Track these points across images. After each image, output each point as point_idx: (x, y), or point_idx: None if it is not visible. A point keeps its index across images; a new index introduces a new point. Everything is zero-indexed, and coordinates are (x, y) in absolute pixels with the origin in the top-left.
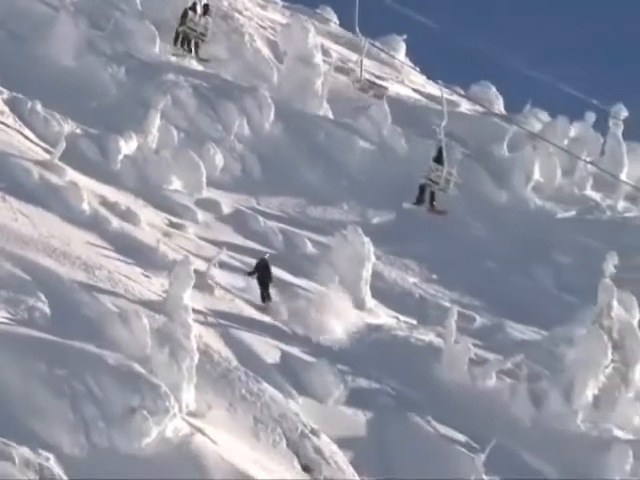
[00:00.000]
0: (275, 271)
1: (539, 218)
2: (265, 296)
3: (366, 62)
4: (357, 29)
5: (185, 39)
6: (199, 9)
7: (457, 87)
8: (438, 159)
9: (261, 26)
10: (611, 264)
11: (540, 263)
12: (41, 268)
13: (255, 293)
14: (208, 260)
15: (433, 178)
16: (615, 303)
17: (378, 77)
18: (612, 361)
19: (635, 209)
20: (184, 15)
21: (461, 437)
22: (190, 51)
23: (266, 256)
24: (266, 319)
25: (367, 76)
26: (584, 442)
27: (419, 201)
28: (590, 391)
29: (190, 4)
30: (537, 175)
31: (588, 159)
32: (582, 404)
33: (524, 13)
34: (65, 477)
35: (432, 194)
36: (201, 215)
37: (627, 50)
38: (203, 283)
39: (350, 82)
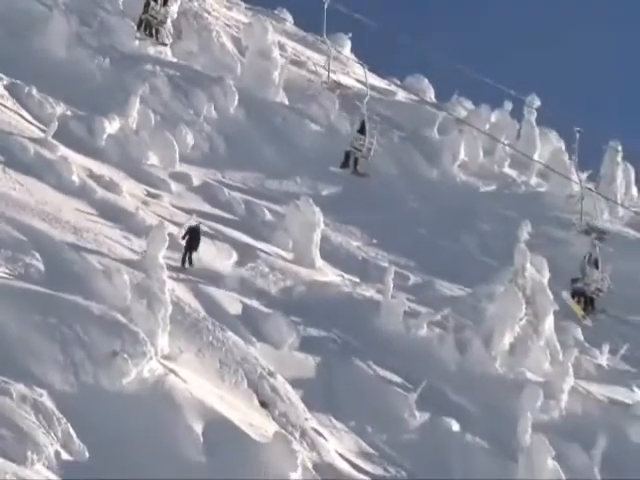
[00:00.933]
0: (238, 235)
1: (464, 192)
2: (186, 260)
3: (317, 57)
4: (324, 35)
5: (147, 26)
6: None
7: (394, 78)
8: (361, 130)
9: (227, 25)
10: (525, 231)
11: (465, 230)
12: (36, 230)
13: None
14: (180, 225)
15: (356, 146)
16: (528, 265)
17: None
18: (525, 315)
19: (546, 184)
20: (147, 5)
21: (397, 378)
22: (151, 35)
23: (199, 224)
24: (230, 276)
25: (321, 69)
26: (501, 383)
27: (344, 165)
28: (507, 340)
29: None
30: (463, 155)
31: (506, 142)
32: (500, 351)
33: (453, 14)
34: (56, 410)
35: (356, 160)
36: (174, 186)
37: (540, 48)
38: (176, 245)
39: (313, 80)
